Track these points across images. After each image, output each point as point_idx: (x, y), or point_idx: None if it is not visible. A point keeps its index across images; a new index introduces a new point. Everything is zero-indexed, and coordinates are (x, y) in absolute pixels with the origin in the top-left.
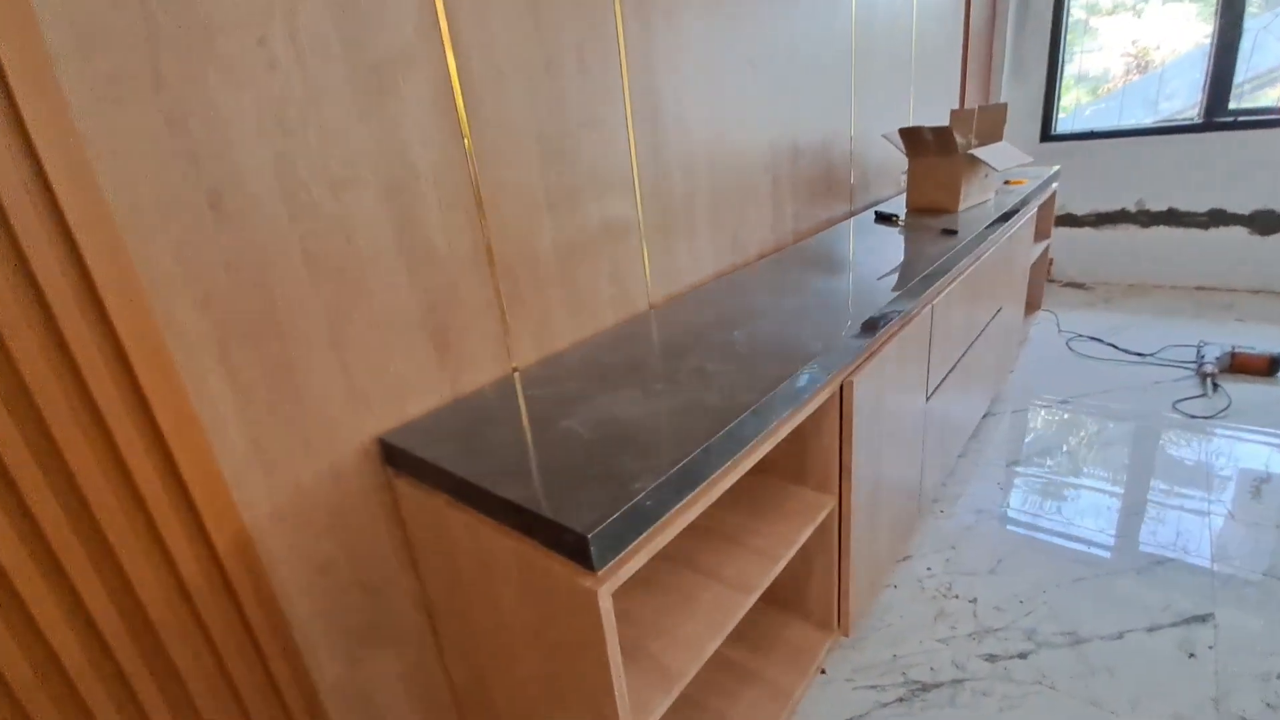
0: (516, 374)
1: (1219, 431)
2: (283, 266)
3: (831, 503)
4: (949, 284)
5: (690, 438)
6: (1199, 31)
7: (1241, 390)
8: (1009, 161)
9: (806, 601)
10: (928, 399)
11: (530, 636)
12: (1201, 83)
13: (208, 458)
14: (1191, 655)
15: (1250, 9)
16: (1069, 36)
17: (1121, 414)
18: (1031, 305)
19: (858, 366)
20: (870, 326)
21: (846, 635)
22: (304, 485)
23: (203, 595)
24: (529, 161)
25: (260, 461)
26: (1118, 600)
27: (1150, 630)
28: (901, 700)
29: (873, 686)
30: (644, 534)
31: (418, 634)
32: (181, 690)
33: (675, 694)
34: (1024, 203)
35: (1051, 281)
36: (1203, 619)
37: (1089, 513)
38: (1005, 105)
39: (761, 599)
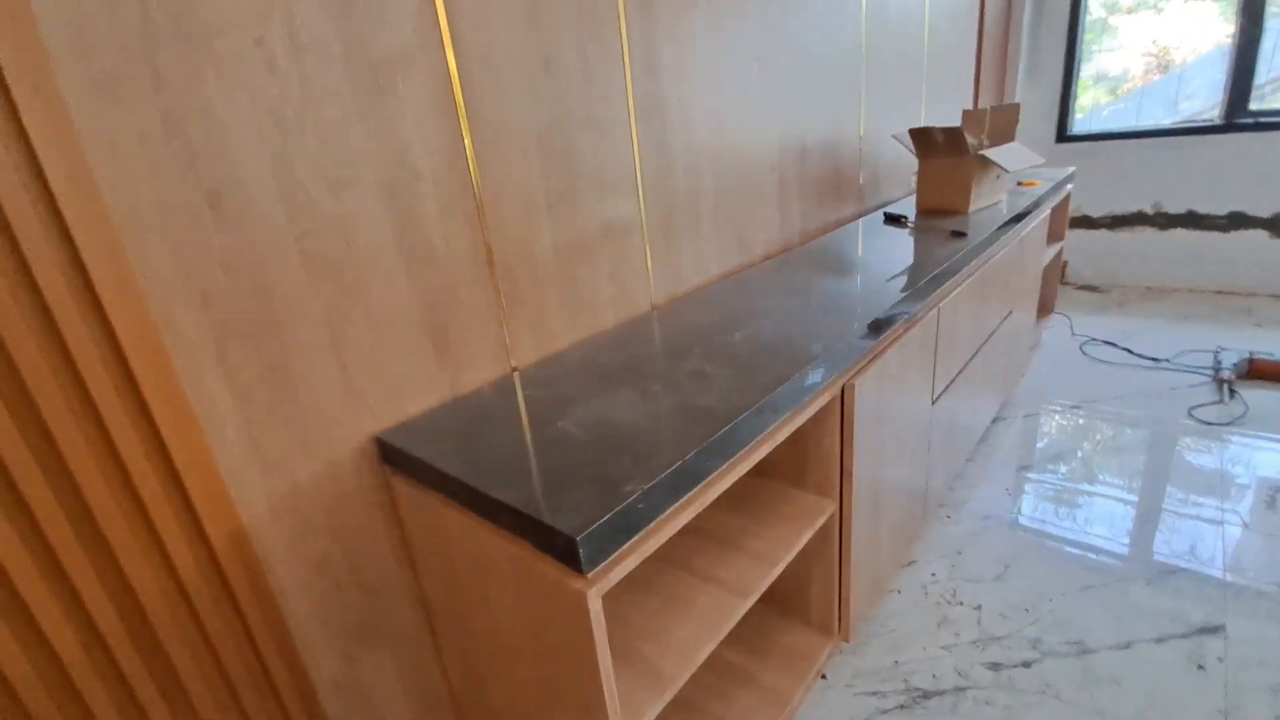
0: (516, 374)
1: (1235, 439)
2: (281, 266)
3: (832, 507)
4: (956, 286)
5: (685, 441)
6: (1220, 31)
7: (1259, 397)
8: (1021, 163)
9: (807, 606)
10: (934, 402)
11: (523, 637)
12: (1222, 83)
13: (205, 456)
14: (1201, 667)
15: (1272, 9)
16: (1088, 35)
17: (1135, 420)
18: (1044, 308)
19: (860, 369)
20: (874, 329)
21: (847, 640)
22: (301, 484)
23: (200, 593)
24: (529, 161)
25: (258, 460)
26: (1126, 610)
27: (1159, 641)
28: (902, 707)
29: (874, 693)
30: (635, 537)
31: (415, 633)
32: (179, 688)
33: (668, 697)
34: (1037, 204)
35: (1066, 284)
36: (1213, 630)
37: (1099, 520)
38: (1018, 105)
39: (762, 602)
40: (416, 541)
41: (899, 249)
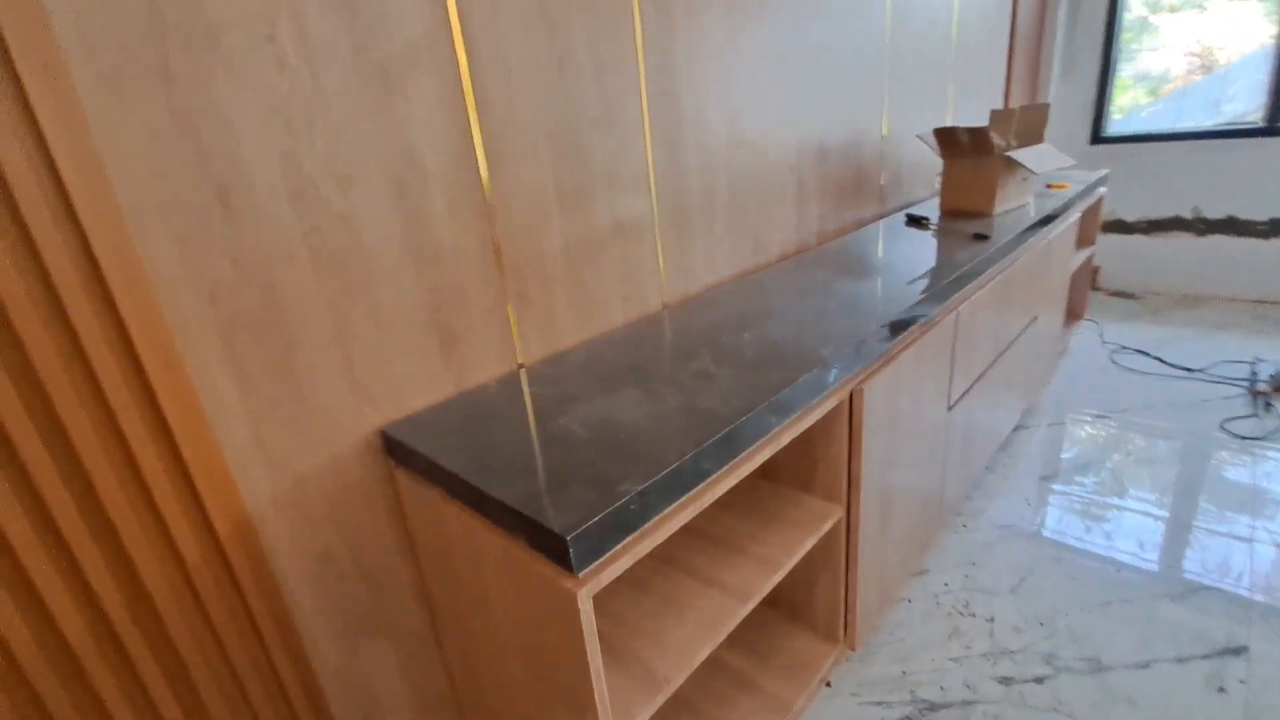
0: (522, 370)
1: (1270, 454)
2: (288, 262)
3: (839, 513)
4: (977, 290)
5: (683, 442)
6: (1264, 32)
7: None
8: (1049, 164)
9: (812, 612)
10: (950, 409)
11: (517, 633)
12: (1265, 85)
13: (211, 447)
14: (1221, 689)
15: None
16: (1127, 34)
17: (1165, 432)
18: (1073, 315)
19: (871, 373)
20: (886, 332)
21: (853, 649)
22: (306, 476)
23: (205, 581)
24: (540, 160)
25: (263, 452)
26: (1146, 627)
27: (1179, 661)
28: (908, 718)
29: (879, 703)
30: (628, 538)
31: (417, 626)
32: (184, 674)
33: (661, 700)
34: (1065, 207)
35: (1097, 290)
36: (1236, 652)
37: (1121, 534)
38: (1047, 105)
39: (767, 606)
40: (419, 535)
41: (919, 251)
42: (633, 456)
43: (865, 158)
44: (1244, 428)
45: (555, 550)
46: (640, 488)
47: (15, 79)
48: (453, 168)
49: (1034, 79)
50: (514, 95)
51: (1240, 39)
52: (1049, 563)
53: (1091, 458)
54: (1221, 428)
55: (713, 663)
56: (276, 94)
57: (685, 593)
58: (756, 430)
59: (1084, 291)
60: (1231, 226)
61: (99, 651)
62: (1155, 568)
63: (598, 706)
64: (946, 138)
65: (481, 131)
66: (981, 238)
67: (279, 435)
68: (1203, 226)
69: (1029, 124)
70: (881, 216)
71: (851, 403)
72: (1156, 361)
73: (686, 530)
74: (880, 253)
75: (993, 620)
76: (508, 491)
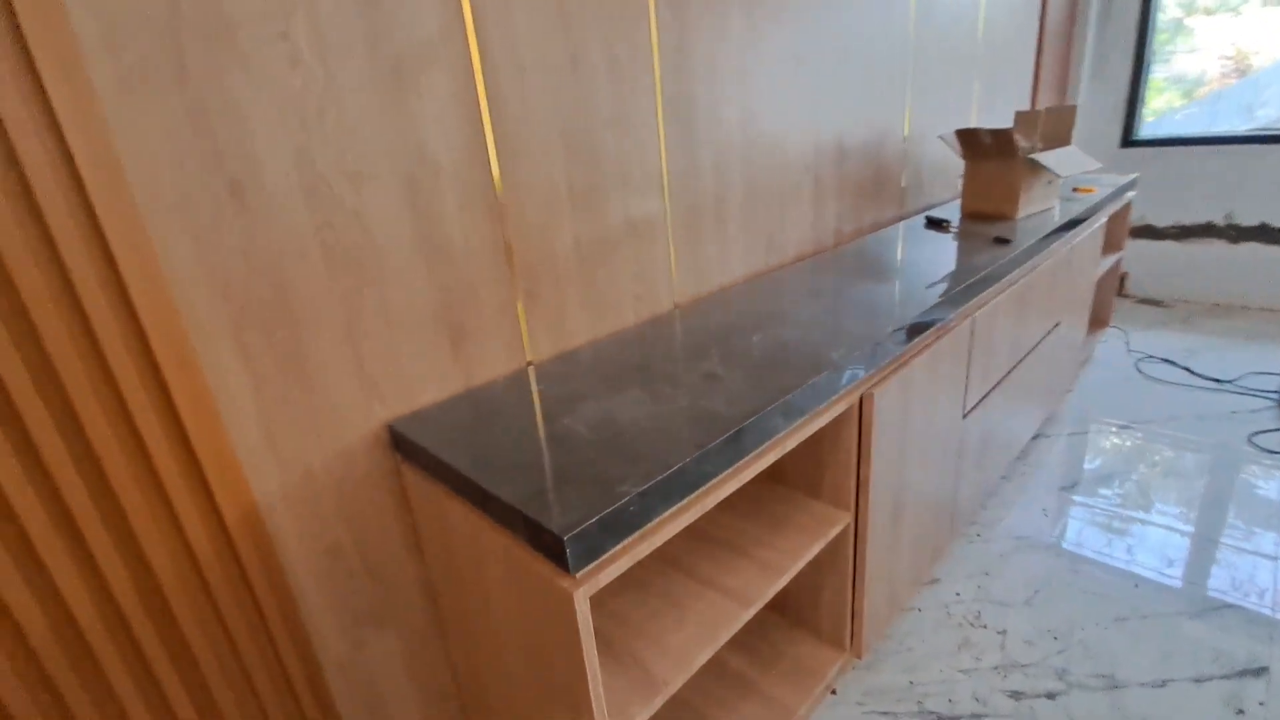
0: (531, 368)
1: None
2: (300, 257)
3: (846, 519)
4: (995, 295)
5: (685, 444)
6: None
7: None
8: (1074, 167)
9: (818, 618)
10: (965, 416)
11: (517, 631)
12: None
13: (222, 439)
14: (1240, 711)
15: None
16: (1161, 36)
17: (1190, 444)
18: (1098, 322)
19: (882, 378)
20: (900, 336)
21: (859, 657)
22: (314, 469)
23: (214, 571)
24: (552, 159)
25: (273, 445)
26: (1164, 645)
27: (1197, 681)
28: None
29: (885, 713)
30: (627, 539)
31: (422, 620)
32: (191, 660)
33: (658, 702)
34: (1092, 212)
35: (1125, 297)
36: (1257, 673)
37: (1141, 548)
38: (1074, 107)
39: (773, 611)
40: (425, 531)
41: (937, 254)
42: (634, 457)
43: (886, 158)
44: (1273, 441)
45: (553, 550)
46: (639, 489)
47: (35, 77)
48: (465, 165)
49: (1063, 79)
50: (527, 93)
51: (1275, 44)
52: (1065, 575)
53: (1114, 469)
54: (1250, 441)
55: (715, 665)
56: (290, 91)
57: (687, 595)
58: (761, 434)
59: (1110, 298)
60: (1265, 234)
61: (110, 637)
62: (1176, 584)
63: (593, 706)
64: (969, 139)
65: (494, 130)
66: (1002, 241)
67: (289, 429)
68: (1235, 234)
69: (1055, 126)
70: (901, 218)
71: (861, 408)
72: (1184, 371)
73: (690, 531)
74: (897, 255)
75: (1005, 632)
76: (508, 489)
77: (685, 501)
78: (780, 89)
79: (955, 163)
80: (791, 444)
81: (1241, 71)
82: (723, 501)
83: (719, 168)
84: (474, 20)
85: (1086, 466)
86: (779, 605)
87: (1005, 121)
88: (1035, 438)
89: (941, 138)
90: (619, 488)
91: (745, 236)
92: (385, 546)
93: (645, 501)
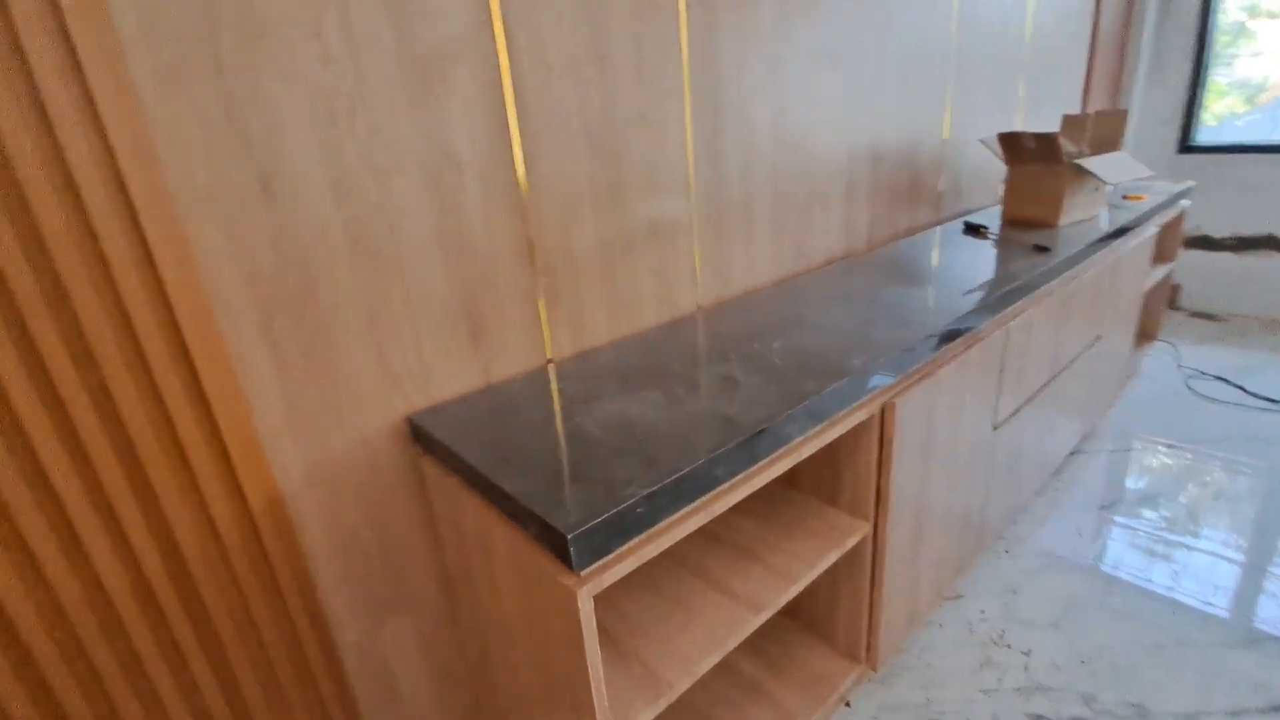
0: (550, 366)
1: None
2: (326, 249)
3: (865, 529)
4: (1031, 305)
5: (696, 448)
6: None
7: None
8: (1123, 174)
9: (833, 628)
10: (995, 428)
11: (524, 625)
12: None
13: (247, 421)
14: None
15: None
16: (1223, 38)
17: (1240, 466)
18: (1146, 335)
19: (906, 387)
20: (926, 344)
21: (874, 670)
22: (336, 456)
23: (236, 550)
24: (577, 157)
25: (295, 430)
26: (1200, 675)
27: (1233, 714)
28: None
29: None
30: (632, 540)
31: (436, 608)
32: (214, 637)
33: (662, 705)
34: (1141, 220)
35: (1177, 310)
36: None
37: (1183, 573)
38: (1125, 112)
39: (788, 618)
40: (441, 521)
41: (973, 261)
42: (645, 459)
43: (923, 162)
44: None
45: (558, 547)
46: (647, 491)
47: (79, 72)
48: (489, 163)
49: (1117, 82)
50: (553, 92)
51: None
52: (1097, 598)
53: (1157, 489)
54: None
55: (726, 669)
56: (321, 88)
57: (697, 598)
58: (774, 441)
59: (1160, 311)
60: None
61: (140, 610)
62: (1219, 613)
63: (595, 704)
64: (1011, 143)
65: (519, 128)
66: (1042, 250)
67: (311, 415)
68: None
69: (1104, 131)
70: (937, 223)
71: (883, 417)
72: (1237, 390)
73: (703, 533)
74: (931, 261)
75: (1029, 653)
76: (517, 485)
77: (694, 505)
78: (812, 88)
79: (997, 167)
80: (807, 451)
81: None
82: (738, 505)
83: (747, 168)
84: (502, 18)
85: (1128, 485)
86: (794, 612)
87: (1052, 125)
88: (1073, 453)
89: (983, 141)
90: (626, 489)
91: (773, 239)
92: (403, 535)
93: (652, 503)
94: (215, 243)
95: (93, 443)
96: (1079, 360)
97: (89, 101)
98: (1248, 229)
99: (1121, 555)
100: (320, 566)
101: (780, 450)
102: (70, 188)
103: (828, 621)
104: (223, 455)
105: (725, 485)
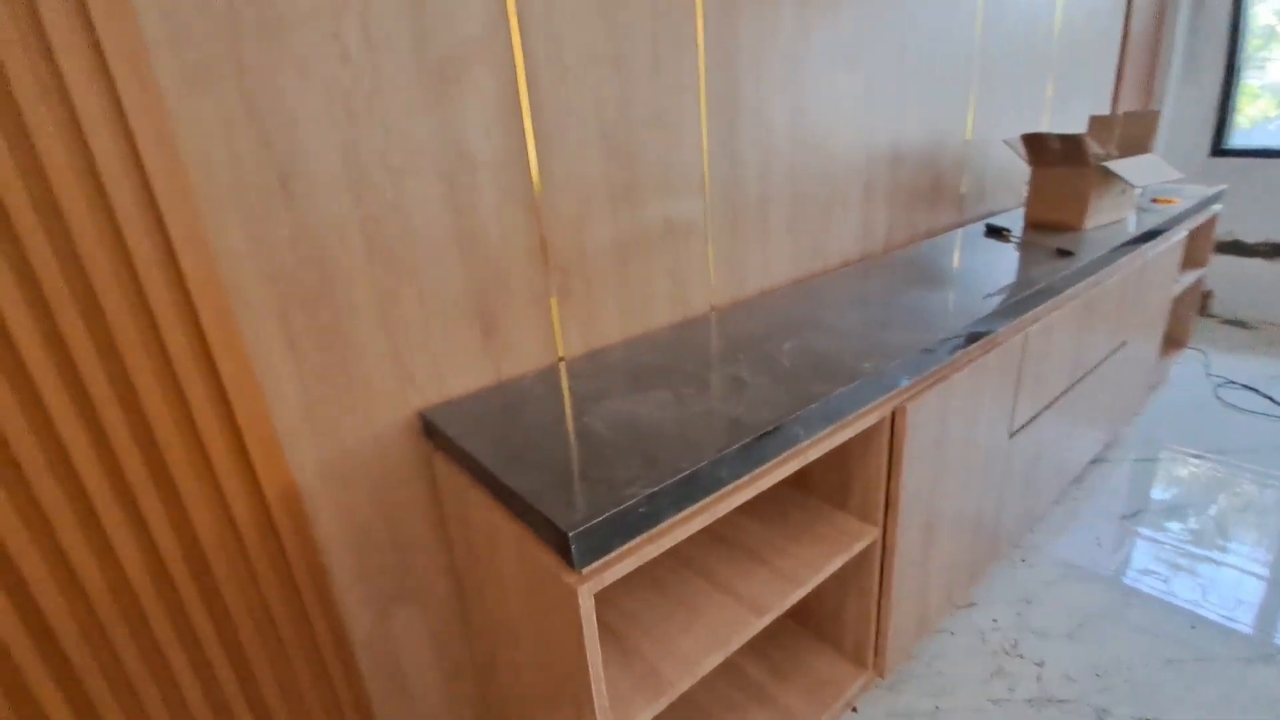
0: (562, 364)
1: None
2: (342, 246)
3: (873, 534)
4: (1052, 309)
5: (701, 448)
6: None
7: None
8: (1151, 177)
9: (841, 633)
10: (1012, 435)
11: (528, 620)
12: None
13: (264, 414)
14: None
15: None
16: (1255, 42)
17: (1269, 479)
18: (1174, 342)
19: (918, 392)
20: (940, 348)
21: (881, 676)
22: (349, 449)
23: (252, 540)
24: (591, 157)
25: (311, 423)
26: (1220, 691)
27: None
28: None
29: None
30: (634, 540)
31: (445, 601)
32: (229, 623)
33: (663, 704)
34: (1171, 224)
35: (1209, 317)
36: None
37: (1202, 586)
38: (1156, 113)
39: (795, 621)
40: (450, 515)
41: (993, 264)
42: (649, 458)
43: (944, 163)
44: None
45: (560, 545)
46: (649, 491)
47: (106, 74)
48: (503, 162)
49: (1149, 82)
50: (569, 92)
51: None
52: (1115, 610)
53: (1182, 500)
54: None
55: (731, 670)
56: (339, 88)
57: (701, 598)
58: (779, 443)
59: (1189, 317)
60: None
61: (157, 594)
62: (1241, 628)
63: (594, 701)
64: (1036, 144)
65: (534, 127)
66: (1065, 253)
67: (326, 410)
68: None
69: (1134, 132)
70: (959, 225)
71: (894, 421)
72: (1268, 400)
73: (709, 534)
74: (949, 264)
75: (1043, 664)
76: (522, 482)
77: (697, 506)
78: (831, 88)
79: (1022, 169)
80: (814, 454)
81: None
82: (745, 506)
83: (763, 169)
84: (518, 19)
85: (1151, 495)
86: (801, 616)
87: (1082, 126)
88: (1094, 461)
89: (1006, 142)
90: (629, 488)
91: (789, 240)
92: (414, 528)
93: (655, 503)
94: (235, 241)
95: (116, 435)
96: (1102, 367)
97: (115, 102)
98: None
99: (1142, 567)
100: (334, 559)
101: (786, 453)
102: (97, 187)
103: (835, 626)
104: (240, 448)
105: (729, 487)
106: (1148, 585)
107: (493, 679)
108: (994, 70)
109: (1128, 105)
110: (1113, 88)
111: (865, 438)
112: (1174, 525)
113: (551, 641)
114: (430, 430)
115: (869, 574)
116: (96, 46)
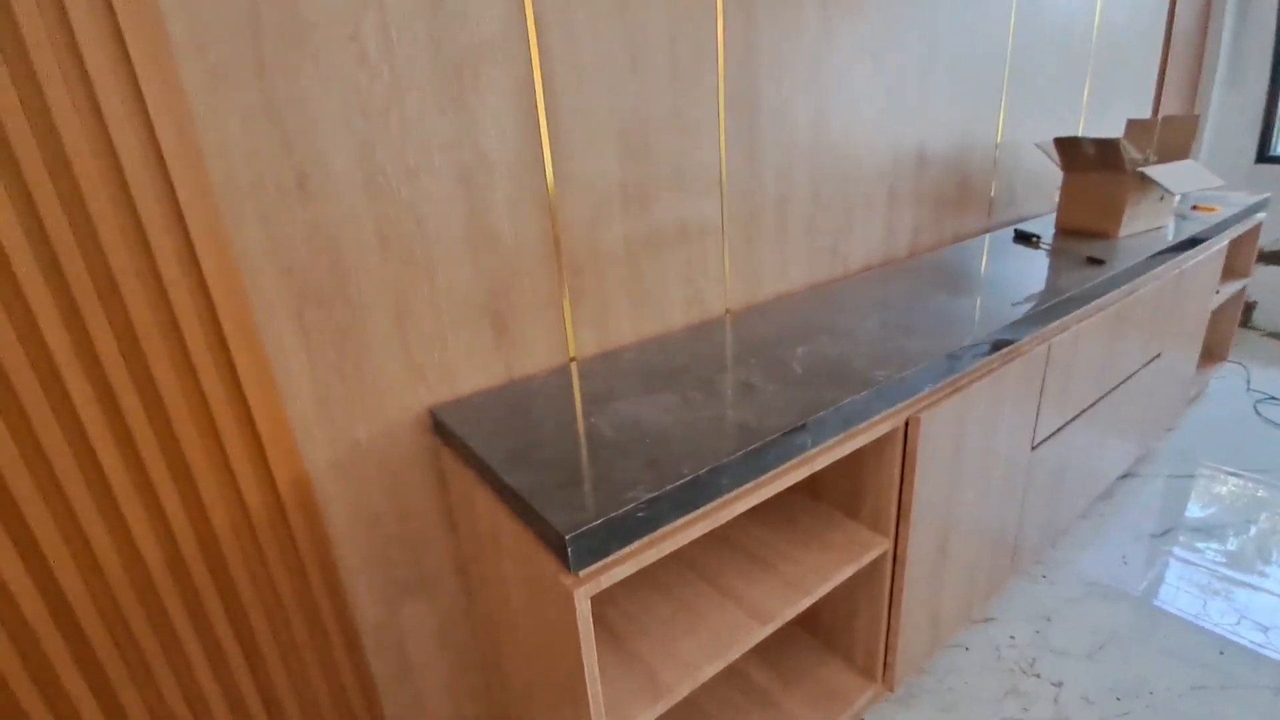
0: (573, 364)
1: None
2: (357, 244)
3: (884, 544)
4: (1080, 319)
5: (704, 454)
6: None
7: None
8: (1191, 184)
9: (850, 643)
10: (1034, 447)
11: (529, 618)
12: None
13: (278, 408)
14: None
15: None
16: None
17: None
18: (1213, 355)
19: (933, 401)
20: (958, 357)
21: (891, 690)
22: (360, 442)
23: (264, 528)
24: (607, 158)
25: (323, 416)
26: (1245, 719)
27: None
28: None
29: None
30: (632, 545)
31: (451, 593)
32: (241, 610)
33: (661, 708)
34: (1211, 233)
35: (1251, 329)
36: None
37: (1236, 610)
38: (1196, 118)
39: (803, 630)
40: (458, 511)
41: (1020, 271)
42: (651, 462)
43: (973, 166)
44: None
45: (557, 547)
46: (649, 496)
47: (131, 74)
48: (518, 163)
49: (1192, 86)
50: (585, 93)
51: None
52: (1139, 631)
53: (1217, 519)
54: None
55: (737, 676)
56: (357, 89)
57: (705, 603)
58: (785, 451)
59: (1229, 330)
60: None
61: (172, 577)
62: (1268, 653)
63: (590, 702)
64: (1069, 148)
65: (549, 128)
66: (1095, 261)
67: (338, 403)
68: None
69: (1173, 137)
70: (987, 231)
71: (907, 431)
72: None
73: (718, 539)
74: (974, 270)
75: (1060, 685)
76: (523, 482)
77: (698, 512)
78: (856, 89)
79: (1053, 173)
80: (822, 463)
81: None
82: (754, 511)
83: (783, 171)
84: (535, 21)
85: (1184, 513)
86: (810, 624)
87: (1120, 131)
88: (1124, 477)
89: (1038, 146)
90: (629, 492)
91: (808, 244)
92: (422, 522)
93: (654, 508)
94: (253, 237)
95: (135, 423)
96: (1134, 379)
97: (139, 101)
98: None
99: (1170, 587)
100: (343, 548)
101: (791, 461)
102: (120, 183)
103: (845, 636)
104: (254, 439)
105: (732, 494)
106: (1175, 607)
107: (496, 672)
108: (1027, 71)
109: (1170, 109)
110: (1154, 91)
111: (878, 447)
112: (1207, 545)
113: (550, 640)
114: (439, 427)
115: (880, 584)
116: (122, 45)
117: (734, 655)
